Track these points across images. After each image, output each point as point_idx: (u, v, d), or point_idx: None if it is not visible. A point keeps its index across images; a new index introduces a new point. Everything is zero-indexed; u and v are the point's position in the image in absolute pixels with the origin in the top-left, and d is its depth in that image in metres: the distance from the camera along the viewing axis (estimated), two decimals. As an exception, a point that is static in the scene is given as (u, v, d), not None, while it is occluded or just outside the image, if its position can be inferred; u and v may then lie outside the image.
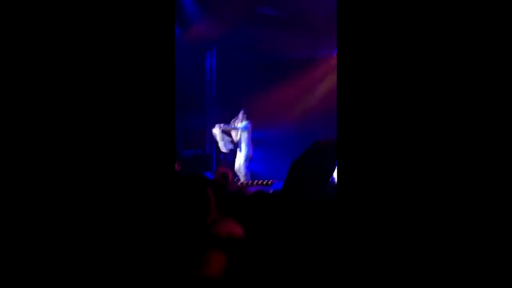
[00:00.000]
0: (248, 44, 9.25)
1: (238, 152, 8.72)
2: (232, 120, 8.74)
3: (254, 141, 8.77)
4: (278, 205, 2.90)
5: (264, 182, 7.41)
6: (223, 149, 8.73)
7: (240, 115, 8.66)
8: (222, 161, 9.14)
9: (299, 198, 3.39)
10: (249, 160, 8.69)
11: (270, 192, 3.83)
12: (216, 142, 8.99)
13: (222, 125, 8.80)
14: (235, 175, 8.43)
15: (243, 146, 8.57)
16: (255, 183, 7.83)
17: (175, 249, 2.05)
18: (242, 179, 8.52)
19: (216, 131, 8.83)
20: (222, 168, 8.66)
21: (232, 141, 8.81)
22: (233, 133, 8.88)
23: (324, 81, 9.51)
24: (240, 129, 8.57)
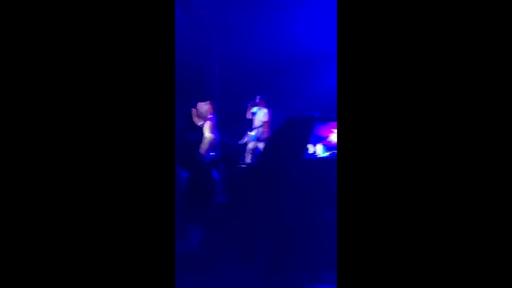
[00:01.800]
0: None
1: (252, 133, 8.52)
2: (249, 105, 8.61)
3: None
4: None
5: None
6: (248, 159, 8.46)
7: (258, 100, 8.38)
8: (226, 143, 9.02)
9: (274, 171, 3.62)
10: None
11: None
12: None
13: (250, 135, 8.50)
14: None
15: (259, 129, 8.42)
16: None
17: None
18: (248, 159, 8.49)
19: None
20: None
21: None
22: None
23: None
24: (265, 119, 8.19)
